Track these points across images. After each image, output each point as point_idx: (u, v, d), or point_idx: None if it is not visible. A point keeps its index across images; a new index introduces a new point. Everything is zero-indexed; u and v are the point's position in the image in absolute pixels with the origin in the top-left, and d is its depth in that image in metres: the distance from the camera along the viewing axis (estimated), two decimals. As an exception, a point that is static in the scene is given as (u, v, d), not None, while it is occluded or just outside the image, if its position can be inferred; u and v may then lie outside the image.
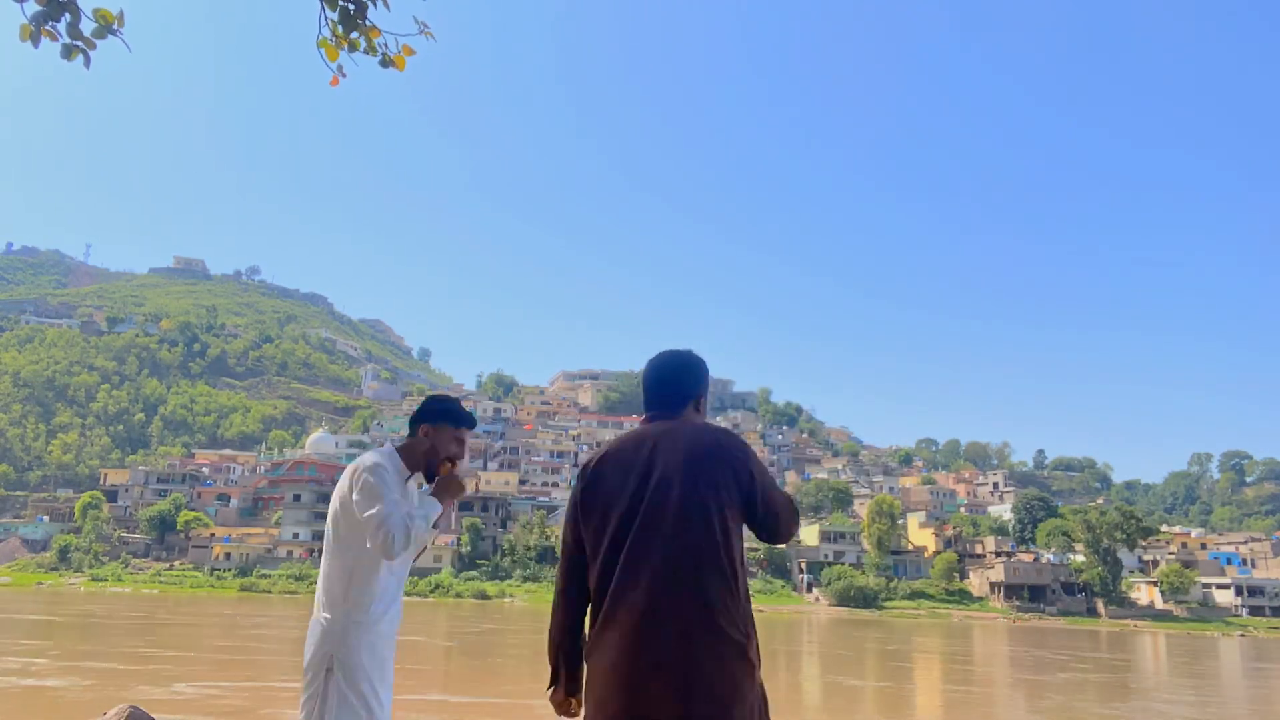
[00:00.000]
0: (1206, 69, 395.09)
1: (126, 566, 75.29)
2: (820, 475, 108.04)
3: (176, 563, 76.07)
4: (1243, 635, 64.50)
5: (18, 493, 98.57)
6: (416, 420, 3.06)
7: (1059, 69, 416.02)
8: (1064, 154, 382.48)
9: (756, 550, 79.02)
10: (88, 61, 2.34)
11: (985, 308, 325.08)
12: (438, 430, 3.03)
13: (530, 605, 62.68)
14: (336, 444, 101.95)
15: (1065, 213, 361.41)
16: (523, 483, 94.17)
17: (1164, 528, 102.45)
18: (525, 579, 72.03)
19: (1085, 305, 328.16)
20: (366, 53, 2.78)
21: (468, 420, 3.06)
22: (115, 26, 2.33)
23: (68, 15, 2.31)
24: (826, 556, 78.42)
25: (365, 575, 2.84)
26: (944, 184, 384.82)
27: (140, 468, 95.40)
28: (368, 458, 2.90)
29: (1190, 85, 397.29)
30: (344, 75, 2.74)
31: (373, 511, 2.73)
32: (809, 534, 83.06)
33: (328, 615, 2.82)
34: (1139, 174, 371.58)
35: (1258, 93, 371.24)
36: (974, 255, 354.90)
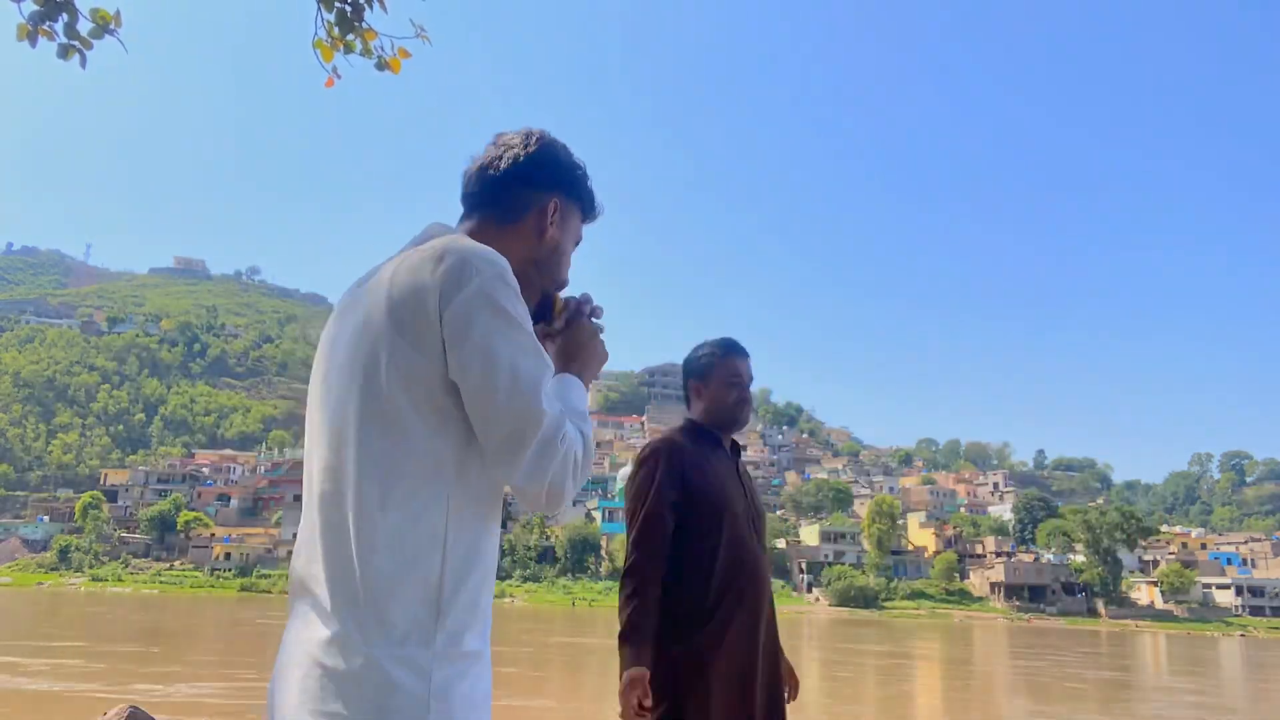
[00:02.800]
0: (1207, 69, 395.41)
1: (126, 566, 75.33)
2: (820, 475, 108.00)
3: (176, 563, 76.12)
4: (1243, 635, 64.49)
5: (18, 493, 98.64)
6: (515, 182, 1.36)
7: (1060, 71, 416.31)
8: (1064, 155, 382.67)
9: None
10: (83, 61, 2.34)
11: (985, 308, 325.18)
12: (561, 213, 1.40)
13: (530, 605, 62.69)
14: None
15: (1065, 213, 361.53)
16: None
17: (1164, 528, 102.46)
18: (525, 579, 72.04)
19: (1085, 305, 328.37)
20: (362, 55, 2.78)
21: (592, 204, 1.46)
22: (112, 26, 2.34)
23: (65, 15, 2.32)
24: (826, 556, 78.39)
25: (473, 541, 1.19)
26: (943, 184, 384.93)
27: (140, 468, 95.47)
28: (479, 252, 1.20)
29: (1190, 86, 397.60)
30: (339, 76, 2.75)
31: (526, 395, 1.15)
32: (809, 534, 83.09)
33: (373, 649, 1.08)
34: (1139, 174, 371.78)
35: (1257, 94, 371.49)
36: (974, 255, 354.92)
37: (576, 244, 1.46)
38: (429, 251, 1.19)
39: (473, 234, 1.33)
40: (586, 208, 1.45)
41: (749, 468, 2.54)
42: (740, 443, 2.48)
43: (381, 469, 1.14)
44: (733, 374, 2.39)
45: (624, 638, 2.10)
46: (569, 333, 1.41)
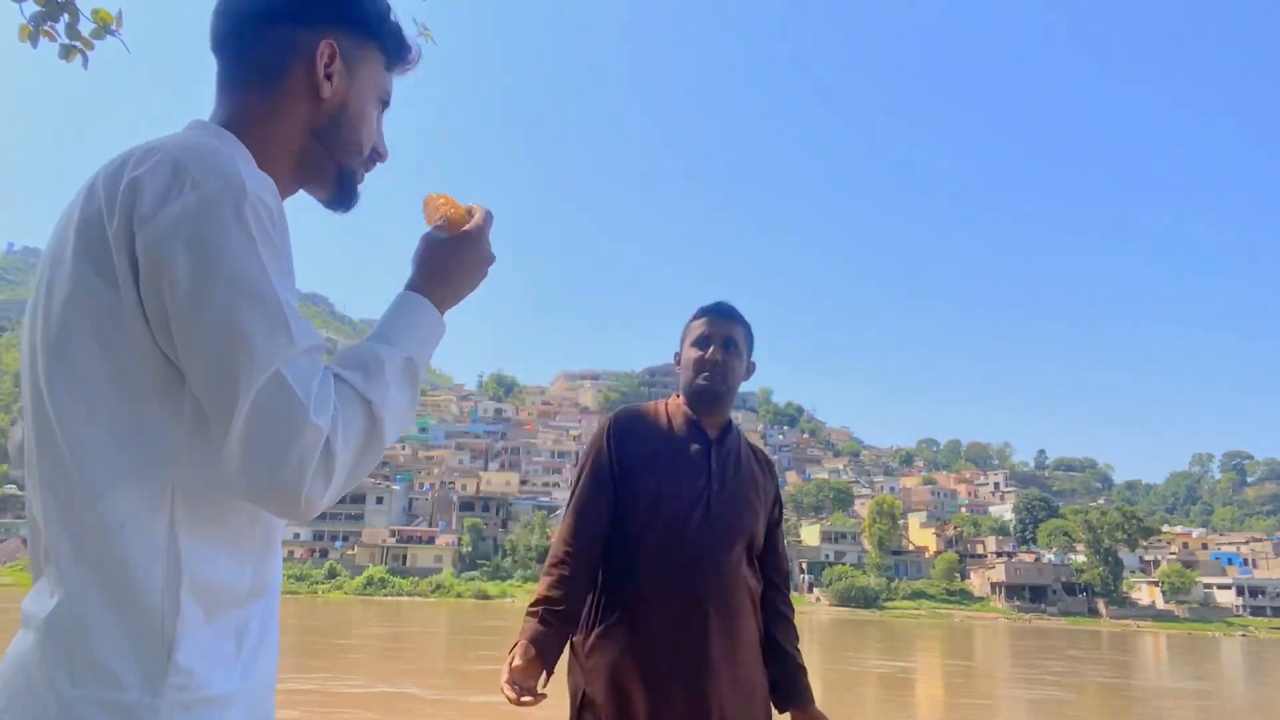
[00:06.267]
0: (1212, 64, 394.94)
1: (127, 566, 75.45)
2: (821, 475, 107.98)
3: (177, 562, 76.26)
4: (1244, 635, 64.49)
5: (19, 492, 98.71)
6: (261, 22, 0.91)
7: (1069, 62, 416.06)
8: (1065, 154, 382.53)
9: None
10: (86, 62, 2.35)
11: (986, 308, 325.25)
12: (347, 57, 0.95)
13: (531, 605, 62.66)
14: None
15: (1066, 214, 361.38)
16: (524, 483, 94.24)
17: (1165, 528, 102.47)
18: (526, 579, 72.04)
19: (1087, 306, 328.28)
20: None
21: (398, 44, 1.05)
22: (113, 27, 2.34)
23: (66, 16, 2.32)
24: (827, 556, 78.45)
25: (221, 541, 0.85)
26: (945, 185, 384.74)
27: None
28: (202, 158, 0.81)
29: (1195, 81, 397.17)
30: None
31: (236, 350, 0.76)
32: (810, 534, 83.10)
33: (78, 690, 0.77)
34: (1142, 172, 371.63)
35: (1263, 90, 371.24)
36: (975, 256, 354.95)
37: (384, 105, 1.01)
38: (136, 151, 0.85)
39: (231, 118, 0.91)
40: (390, 48, 0.99)
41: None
42: (735, 423, 2.11)
43: (73, 449, 0.80)
44: (696, 335, 2.05)
45: (536, 615, 1.95)
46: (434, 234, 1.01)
